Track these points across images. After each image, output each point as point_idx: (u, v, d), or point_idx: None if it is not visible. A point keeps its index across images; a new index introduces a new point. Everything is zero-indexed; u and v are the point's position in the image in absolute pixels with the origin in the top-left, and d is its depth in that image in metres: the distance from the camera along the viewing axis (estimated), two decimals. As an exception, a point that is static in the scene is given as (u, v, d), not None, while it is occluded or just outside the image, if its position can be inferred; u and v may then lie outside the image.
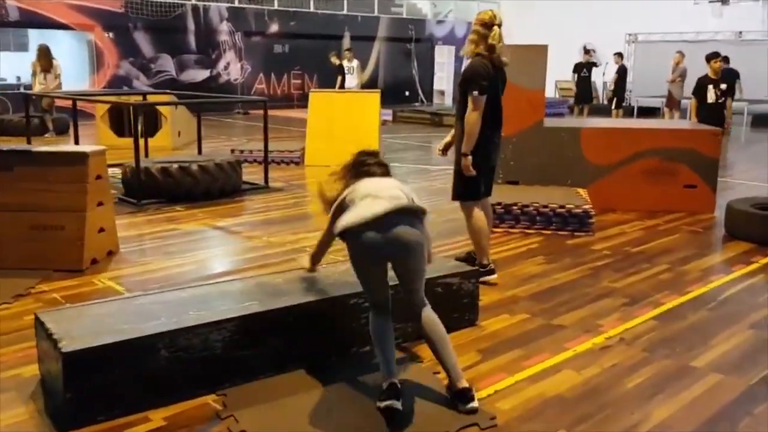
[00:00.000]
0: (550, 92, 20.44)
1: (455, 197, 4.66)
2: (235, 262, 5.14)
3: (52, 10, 15.60)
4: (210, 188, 7.20)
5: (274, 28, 20.04)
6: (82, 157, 4.81)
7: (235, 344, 3.11)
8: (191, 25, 18.26)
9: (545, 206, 6.07)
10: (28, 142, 7.47)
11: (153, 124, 11.45)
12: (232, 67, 19.43)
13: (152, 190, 6.99)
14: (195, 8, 18.27)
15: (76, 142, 8.67)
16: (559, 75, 18.97)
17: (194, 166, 7.09)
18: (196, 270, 4.93)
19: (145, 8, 17.12)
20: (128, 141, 10.93)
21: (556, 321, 4.01)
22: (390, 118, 16.90)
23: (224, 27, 19.03)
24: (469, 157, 4.38)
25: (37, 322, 3.12)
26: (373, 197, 2.95)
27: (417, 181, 8.67)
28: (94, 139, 11.53)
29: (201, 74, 18.75)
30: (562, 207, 6.04)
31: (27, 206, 4.78)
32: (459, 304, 3.83)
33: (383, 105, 17.73)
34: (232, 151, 10.00)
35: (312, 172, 9.37)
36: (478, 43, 4.36)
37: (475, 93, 4.30)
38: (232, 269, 4.94)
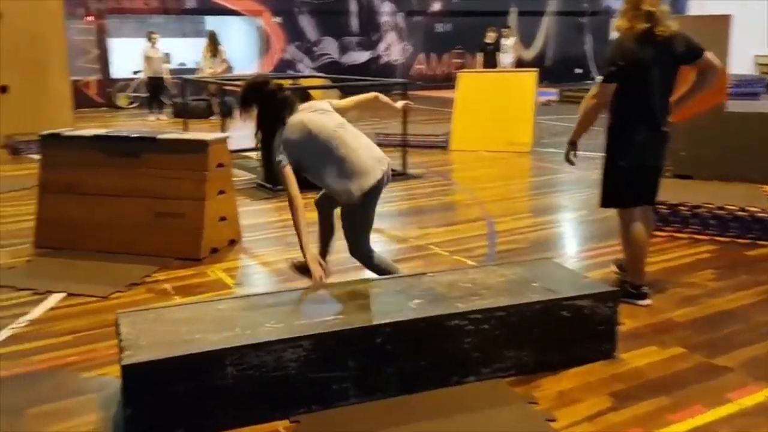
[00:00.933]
0: (747, 68, 18.03)
1: (601, 202, 3.94)
2: (350, 258, 4.78)
3: (225, -3, 16.34)
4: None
5: (436, 6, 19.58)
6: (202, 146, 4.69)
7: (313, 365, 2.73)
8: (354, 7, 18.31)
9: (721, 208, 5.08)
10: (185, 124, 7.71)
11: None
12: (393, 48, 19.28)
13: (288, 175, 6.86)
14: (359, -11, 18.30)
15: (213, 132, 8.83)
16: (760, 48, 16.66)
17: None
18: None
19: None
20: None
21: (719, 360, 3.21)
22: (555, 97, 15.81)
23: (386, 8, 18.89)
24: (573, 148, 3.86)
25: (116, 324, 2.95)
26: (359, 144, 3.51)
27: (573, 170, 7.83)
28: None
29: (362, 56, 18.79)
30: (743, 210, 5.03)
31: (151, 193, 4.76)
32: (591, 332, 3.17)
33: (550, 83, 16.82)
34: (377, 134, 9.71)
35: (457, 158, 8.85)
36: (627, 13, 3.59)
37: (599, 78, 3.64)
38: (345, 267, 4.59)
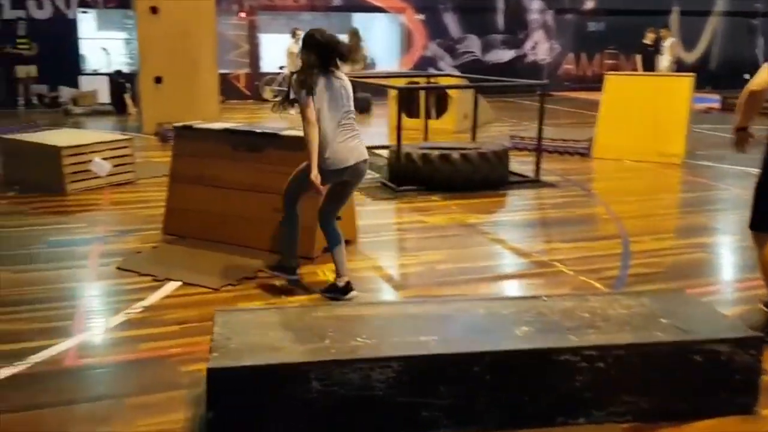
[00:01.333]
0: None
1: (750, 223, 3.43)
2: (463, 270, 4.53)
3: (371, -6, 16.51)
4: (471, 178, 6.67)
5: (589, 4, 18.65)
6: (320, 142, 4.62)
7: (402, 388, 2.54)
8: (501, 4, 17.85)
9: None
10: None
11: (442, 106, 11.33)
12: (540, 47, 18.60)
13: (412, 176, 6.71)
14: (507, -14, 17.81)
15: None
16: None
17: (455, 155, 6.62)
18: (419, 274, 4.46)
19: (462, -13, 17.17)
20: (417, 122, 11.08)
21: None
22: (717, 104, 14.49)
23: (535, 5, 18.25)
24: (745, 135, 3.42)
25: (213, 321, 2.91)
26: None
27: (731, 187, 7.06)
28: (387, 118, 11.81)
29: (506, 54, 18.29)
30: None
31: (271, 189, 4.75)
32: (727, 381, 2.72)
33: (713, 89, 15.47)
34: (512, 137, 9.32)
35: (598, 167, 8.28)
36: None
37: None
38: (456, 279, 4.35)
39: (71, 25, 14.71)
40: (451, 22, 17.47)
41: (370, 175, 7.12)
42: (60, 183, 6.39)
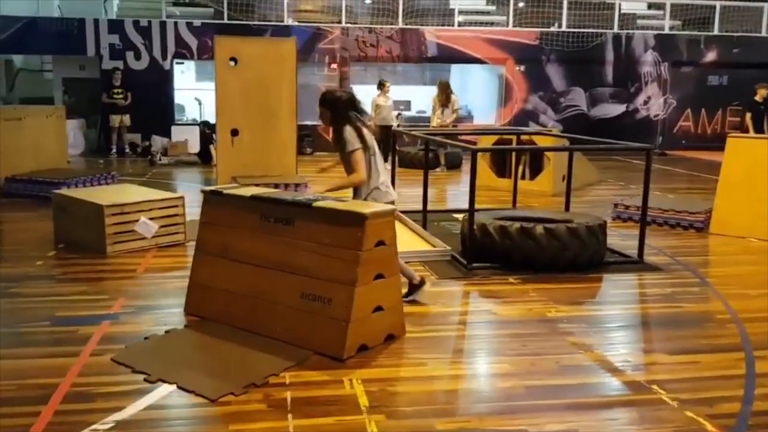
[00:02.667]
0: None
1: None
2: (532, 391, 3.51)
3: (468, 44, 15.78)
4: (558, 257, 5.63)
5: (710, 56, 17.10)
6: (358, 219, 3.81)
7: None
8: (610, 55, 16.66)
9: None
10: (425, 175, 7.03)
11: (537, 165, 10.30)
12: (653, 102, 17.17)
13: (488, 251, 5.75)
14: (617, 37, 16.63)
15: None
16: None
17: (539, 229, 5.60)
18: (473, 394, 3.49)
19: (561, 40, 16.19)
20: (507, 182, 10.10)
21: None
22: None
23: (648, 57, 16.92)
24: None
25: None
26: None
27: None
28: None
29: (615, 109, 16.99)
30: None
31: (300, 269, 3.99)
32: None
33: None
34: (616, 205, 8.15)
35: (716, 246, 6.97)
36: None
37: None
38: (519, 406, 3.34)
39: (166, 76, 14.92)
40: (554, 74, 16.45)
41: (439, 246, 6.24)
42: (102, 243, 5.93)
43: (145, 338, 4.03)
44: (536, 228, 5.63)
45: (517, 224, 5.68)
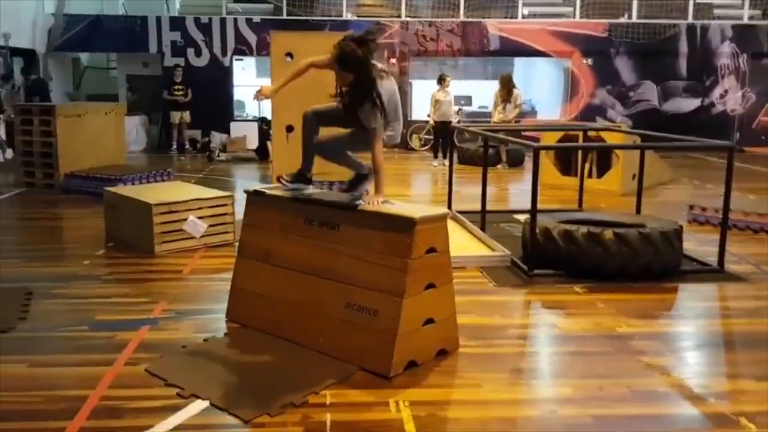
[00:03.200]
0: None
1: None
2: (599, 421, 3.11)
3: (533, 37, 15.20)
4: (628, 265, 5.17)
5: (794, 46, 16.00)
6: (406, 225, 3.49)
7: None
8: (683, 47, 15.77)
9: None
10: (484, 174, 6.66)
11: (605, 163, 9.73)
12: (730, 96, 16.17)
13: (551, 257, 5.34)
14: (691, 28, 15.72)
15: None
16: None
17: (608, 234, 5.15)
18: (530, 422, 3.11)
19: (632, 31, 15.41)
20: (572, 181, 9.57)
21: None
22: None
23: (725, 48, 15.94)
24: None
25: None
26: None
27: None
28: (541, 173, 10.37)
29: (689, 104, 16.08)
30: None
31: (345, 277, 3.71)
32: None
33: None
34: (691, 207, 7.56)
35: (806, 252, 6.33)
36: None
37: None
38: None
39: (226, 73, 14.93)
40: (623, 67, 15.68)
41: (498, 250, 5.85)
42: (150, 243, 5.80)
43: (183, 347, 3.82)
44: (605, 233, 5.18)
45: (583, 229, 5.24)
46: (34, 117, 9.03)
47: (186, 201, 5.98)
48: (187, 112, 14.05)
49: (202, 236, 6.05)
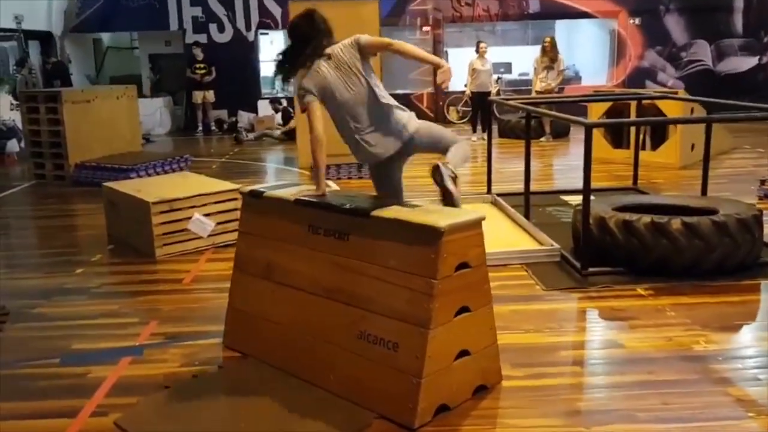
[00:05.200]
0: None
1: None
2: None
3: (576, -3, 14.10)
4: (700, 261, 4.35)
5: None
6: (430, 236, 2.74)
7: None
8: (739, 2, 14.42)
9: None
10: (527, 150, 5.83)
11: (660, 134, 8.78)
12: (793, 53, 14.81)
13: (608, 251, 4.54)
14: (748, -20, 14.37)
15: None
16: None
17: (675, 224, 4.32)
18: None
19: (685, -15, 14.15)
20: (625, 154, 8.66)
21: None
22: None
23: (787, 0, 14.55)
24: None
25: None
26: None
27: None
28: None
29: (745, 63, 14.77)
30: None
31: (357, 299, 3.00)
32: None
33: None
34: (762, 182, 6.62)
35: None
36: None
37: None
38: None
39: (251, 48, 14.22)
40: (674, 25, 14.44)
41: (546, 244, 5.06)
42: (150, 245, 5.19)
43: (166, 387, 3.17)
44: (672, 223, 4.34)
45: (646, 218, 4.41)
46: (40, 105, 8.48)
47: (189, 197, 5.33)
48: (211, 92, 13.39)
49: (210, 235, 5.41)
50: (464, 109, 13.79)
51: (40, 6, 13.07)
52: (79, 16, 13.87)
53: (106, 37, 15.65)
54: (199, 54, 13.24)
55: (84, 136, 8.56)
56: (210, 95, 13.40)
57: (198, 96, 13.37)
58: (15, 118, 11.14)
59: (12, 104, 11.76)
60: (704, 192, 5.77)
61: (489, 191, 6.87)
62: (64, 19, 13.80)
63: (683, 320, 3.79)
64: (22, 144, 10.71)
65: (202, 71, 13.25)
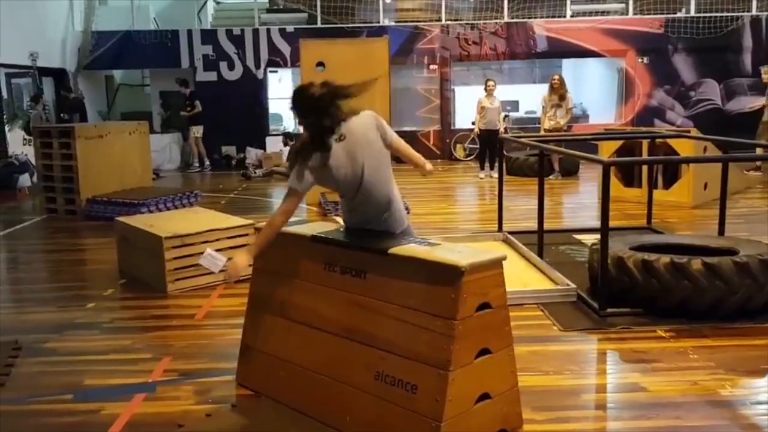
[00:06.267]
0: None
1: None
2: None
3: (583, 36, 14.21)
4: (721, 303, 4.27)
5: None
6: (450, 275, 2.69)
7: None
8: (747, 41, 14.53)
9: None
10: (540, 188, 5.82)
11: (672, 172, 8.75)
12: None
13: (626, 291, 4.47)
14: (756, 20, 14.49)
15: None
16: None
17: (696, 264, 4.26)
18: None
19: (691, 26, 14.26)
20: (636, 192, 8.63)
21: None
22: None
23: (795, 41, 14.67)
24: None
25: None
26: None
27: None
28: (597, 184, 9.44)
29: (757, 102, 14.81)
30: None
31: (374, 339, 2.93)
32: None
33: None
34: (781, 222, 6.57)
35: None
36: None
37: None
38: None
39: (260, 85, 14.36)
40: (682, 65, 14.54)
41: (560, 283, 5.00)
42: (162, 280, 5.15)
43: (180, 426, 3.10)
44: (692, 264, 4.28)
45: (665, 258, 4.35)
46: (54, 140, 8.54)
47: (201, 232, 5.31)
48: (199, 127, 13.32)
49: (221, 271, 5.35)
50: (471, 146, 13.84)
51: (54, 43, 13.27)
52: (92, 53, 14.06)
53: (117, 74, 15.85)
54: (184, 91, 13.22)
55: (96, 170, 8.60)
56: (197, 130, 13.32)
57: (192, 131, 13.33)
58: (27, 152, 11.23)
59: (24, 139, 11.87)
60: (721, 232, 5.71)
61: (500, 229, 6.82)
62: (78, 56, 13.99)
63: (707, 363, 3.70)
64: (34, 178, 10.77)
65: (188, 108, 13.21)
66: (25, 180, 10.88)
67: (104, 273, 5.82)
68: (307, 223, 3.65)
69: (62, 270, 6.24)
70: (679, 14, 14.58)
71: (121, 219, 5.84)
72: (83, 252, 7.07)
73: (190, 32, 14.20)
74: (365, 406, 2.92)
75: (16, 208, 9.65)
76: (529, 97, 15.22)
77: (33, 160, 11.10)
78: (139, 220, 5.82)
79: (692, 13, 14.42)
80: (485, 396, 2.84)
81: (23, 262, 6.71)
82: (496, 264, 2.85)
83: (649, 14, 14.47)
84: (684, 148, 8.08)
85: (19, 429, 3.13)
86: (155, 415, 3.22)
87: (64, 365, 3.85)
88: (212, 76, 14.10)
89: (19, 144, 11.78)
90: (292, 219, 3.42)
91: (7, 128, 11.55)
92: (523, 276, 5.30)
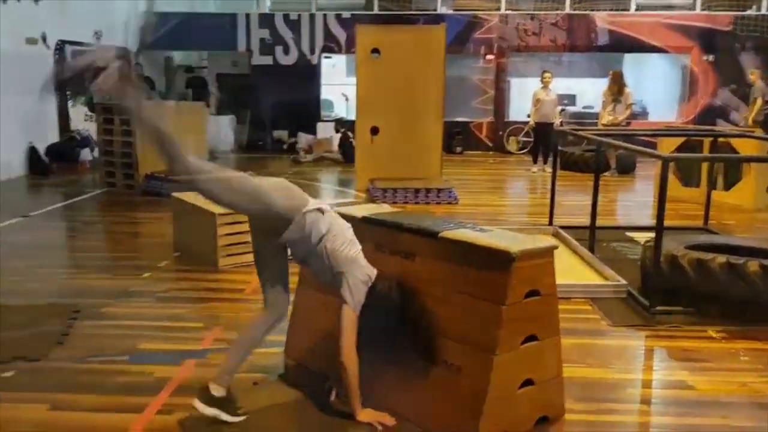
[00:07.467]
0: None
1: None
2: None
3: (647, 31, 13.84)
4: (778, 305, 4.16)
5: None
6: (501, 260, 2.70)
7: None
8: (821, 40, 13.96)
9: None
10: (596, 183, 5.77)
11: (733, 174, 8.50)
12: None
13: (679, 290, 4.39)
14: (830, 20, 13.89)
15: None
16: None
17: (752, 266, 4.15)
18: None
19: (761, 24, 13.75)
20: (694, 193, 8.41)
21: None
22: None
23: None
24: None
25: None
26: None
27: None
28: (653, 183, 9.23)
29: (825, 105, 14.23)
30: None
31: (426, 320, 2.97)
32: None
33: None
34: None
35: None
36: None
37: None
38: None
39: (314, 71, 14.47)
40: (750, 64, 14.04)
41: (612, 279, 4.93)
42: (213, 255, 5.28)
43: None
44: (749, 265, 4.17)
45: (721, 258, 4.25)
46: (115, 116, 8.80)
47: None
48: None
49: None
50: (524, 139, 13.69)
51: (118, 22, 13.63)
52: (154, 33, 14.38)
53: (177, 55, 16.19)
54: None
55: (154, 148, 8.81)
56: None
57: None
58: (89, 128, 11.60)
59: (86, 115, 12.25)
60: (781, 234, 5.55)
61: (551, 223, 6.75)
62: (140, 36, 14.33)
63: (757, 366, 3.62)
64: (95, 153, 11.13)
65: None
66: (86, 154, 11.25)
67: (159, 246, 5.99)
68: (358, 205, 3.69)
69: (120, 241, 6.46)
70: (749, 12, 14.08)
71: (177, 195, 5.99)
72: (140, 225, 7.29)
73: (248, 16, 14.39)
74: (411, 384, 2.96)
75: (77, 181, 9.99)
76: (587, 92, 14.96)
77: (94, 135, 11.48)
78: (194, 197, 5.96)
79: (763, 11, 13.91)
80: (529, 382, 2.85)
81: (83, 231, 6.97)
82: (548, 252, 2.85)
83: (718, 11, 14.01)
84: (747, 149, 7.83)
85: (78, 385, 3.27)
86: (205, 379, 3.32)
87: (119, 329, 4.00)
88: (268, 60, 14.26)
89: (81, 120, 12.16)
90: (343, 200, 3.47)
91: (70, 104, 11.94)
92: (572, 269, 5.25)
